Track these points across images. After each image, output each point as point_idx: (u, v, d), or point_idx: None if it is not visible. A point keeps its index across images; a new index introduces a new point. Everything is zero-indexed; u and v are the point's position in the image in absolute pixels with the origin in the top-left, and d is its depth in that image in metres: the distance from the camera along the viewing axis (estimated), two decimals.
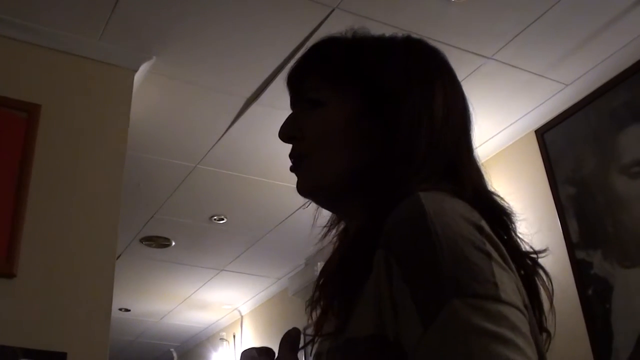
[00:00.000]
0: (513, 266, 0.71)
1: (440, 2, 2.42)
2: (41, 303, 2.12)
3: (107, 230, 2.34)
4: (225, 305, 5.57)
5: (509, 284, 0.66)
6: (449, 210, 0.70)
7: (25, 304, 2.09)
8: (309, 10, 2.44)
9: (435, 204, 0.70)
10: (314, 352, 0.83)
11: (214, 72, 2.80)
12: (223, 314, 5.77)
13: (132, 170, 2.98)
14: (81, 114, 2.46)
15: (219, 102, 2.98)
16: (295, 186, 0.90)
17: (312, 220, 0.95)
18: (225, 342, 5.72)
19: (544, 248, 0.83)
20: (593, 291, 2.69)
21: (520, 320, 0.64)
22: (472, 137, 0.88)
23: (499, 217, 0.80)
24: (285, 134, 0.90)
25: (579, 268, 2.76)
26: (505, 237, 0.78)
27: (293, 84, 0.94)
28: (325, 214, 0.94)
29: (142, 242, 4.37)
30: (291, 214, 3.94)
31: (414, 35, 0.93)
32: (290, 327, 0.86)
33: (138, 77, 2.68)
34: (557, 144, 2.98)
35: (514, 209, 0.82)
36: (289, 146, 0.91)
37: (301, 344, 0.85)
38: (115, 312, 3.32)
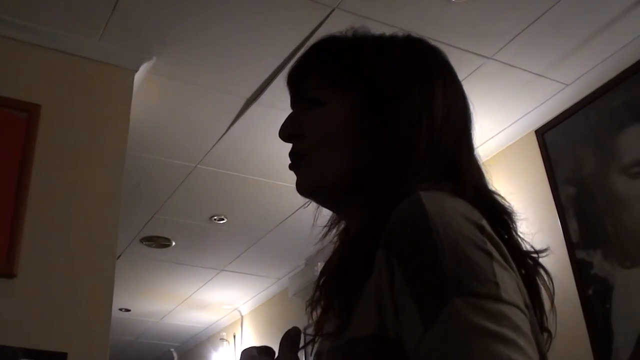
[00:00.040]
0: (514, 265, 0.71)
1: (440, 2, 2.42)
2: (41, 303, 2.12)
3: (108, 230, 2.34)
4: (226, 305, 5.58)
5: (510, 284, 0.66)
6: (450, 209, 0.70)
7: (25, 304, 2.09)
8: (309, 10, 2.44)
9: (436, 203, 0.69)
10: (314, 351, 0.83)
11: (214, 72, 2.80)
12: (223, 314, 5.77)
13: (132, 170, 2.98)
14: (81, 114, 2.46)
15: (219, 102, 2.99)
16: (295, 186, 0.90)
17: (312, 220, 0.95)
18: (225, 342, 5.72)
19: (544, 248, 0.83)
20: (593, 291, 2.69)
21: (522, 319, 0.64)
22: (472, 136, 0.88)
23: (499, 217, 0.80)
24: (285, 132, 0.90)
25: (579, 268, 2.76)
26: (506, 237, 0.78)
27: (293, 83, 0.93)
28: (326, 214, 0.94)
29: (142, 242, 4.37)
30: (291, 214, 3.94)
31: (414, 35, 0.93)
32: (290, 327, 0.86)
33: (138, 77, 2.68)
34: (558, 144, 2.97)
35: (514, 209, 0.82)
36: (289, 146, 0.91)
37: (301, 344, 0.85)
38: (115, 312, 3.32)
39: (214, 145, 3.29)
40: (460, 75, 0.92)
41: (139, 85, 2.73)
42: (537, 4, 2.46)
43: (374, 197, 0.78)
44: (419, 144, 0.80)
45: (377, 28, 0.93)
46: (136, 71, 2.64)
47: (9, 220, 2.14)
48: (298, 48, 2.62)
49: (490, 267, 0.65)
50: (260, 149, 3.31)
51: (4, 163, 2.22)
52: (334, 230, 0.93)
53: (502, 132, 3.21)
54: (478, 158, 0.87)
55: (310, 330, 0.83)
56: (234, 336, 5.70)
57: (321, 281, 0.83)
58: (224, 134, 3.20)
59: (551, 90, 2.95)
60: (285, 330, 0.85)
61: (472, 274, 0.64)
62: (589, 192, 2.79)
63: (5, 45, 2.41)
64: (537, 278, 0.79)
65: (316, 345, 0.83)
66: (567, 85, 2.91)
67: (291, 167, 0.90)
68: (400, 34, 0.92)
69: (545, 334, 0.77)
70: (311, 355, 0.85)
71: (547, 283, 0.80)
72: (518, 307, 0.64)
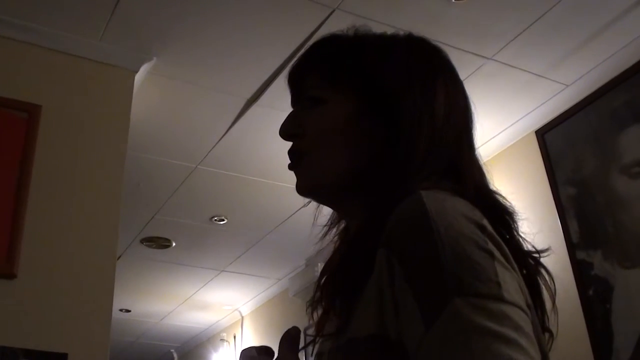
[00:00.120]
0: (515, 265, 0.70)
1: (440, 3, 2.42)
2: (42, 304, 2.12)
3: (108, 231, 2.34)
4: (226, 306, 5.57)
5: (511, 283, 0.66)
6: (451, 209, 0.69)
7: (25, 305, 2.09)
8: (309, 11, 2.44)
9: (436, 202, 0.69)
10: (315, 352, 0.83)
11: (215, 73, 2.80)
12: (223, 315, 5.76)
13: (132, 170, 2.98)
14: (81, 115, 2.46)
15: (219, 103, 2.99)
16: (295, 187, 0.90)
17: (313, 220, 0.94)
18: (225, 343, 5.72)
19: (545, 248, 0.83)
20: (593, 292, 2.69)
21: (523, 319, 0.63)
22: (473, 135, 0.88)
23: (501, 216, 0.79)
24: (285, 131, 0.90)
25: (580, 268, 2.76)
26: (508, 236, 0.78)
27: (294, 81, 0.93)
28: (326, 213, 0.94)
29: (142, 243, 4.37)
30: (291, 215, 3.94)
31: (416, 34, 0.92)
32: (294, 326, 0.86)
33: (138, 77, 2.68)
34: (558, 145, 2.97)
35: (515, 208, 0.82)
36: (290, 146, 0.91)
37: (301, 344, 0.85)
38: (115, 313, 3.32)
39: (214, 146, 3.29)
40: (461, 75, 0.92)
41: (139, 85, 2.73)
42: (538, 5, 2.46)
43: (374, 196, 0.78)
44: (419, 143, 0.80)
45: (378, 29, 0.93)
46: (136, 72, 2.64)
47: (9, 221, 2.14)
48: (298, 49, 2.62)
49: (492, 267, 0.65)
50: (261, 150, 3.31)
51: (5, 163, 2.22)
52: (334, 230, 0.92)
53: (502, 133, 3.21)
54: (479, 157, 0.87)
55: (311, 331, 0.83)
56: (235, 337, 5.69)
57: (322, 281, 0.83)
58: (224, 135, 3.20)
59: (551, 91, 2.95)
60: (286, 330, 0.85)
61: (473, 273, 0.63)
62: (589, 193, 2.79)
63: (6, 45, 2.41)
64: (538, 278, 0.79)
65: (317, 346, 0.83)
66: (567, 85, 2.91)
67: (291, 166, 0.90)
68: (401, 33, 0.92)
69: (547, 334, 0.76)
70: (312, 355, 0.85)
71: (549, 283, 0.80)
72: (520, 307, 0.64)
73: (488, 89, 2.89)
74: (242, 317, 5.66)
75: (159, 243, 4.39)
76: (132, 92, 2.61)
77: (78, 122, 2.44)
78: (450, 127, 0.83)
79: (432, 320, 0.62)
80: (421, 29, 0.93)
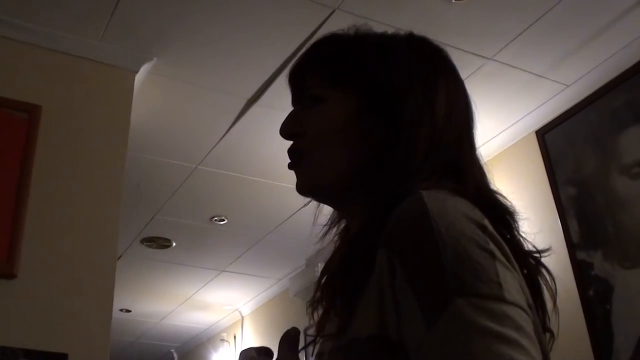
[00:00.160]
0: (516, 265, 0.70)
1: (440, 3, 2.42)
2: (42, 304, 2.12)
3: (108, 231, 2.34)
4: (226, 306, 5.57)
5: (512, 284, 0.66)
6: (452, 209, 0.69)
7: (26, 305, 2.09)
8: (309, 11, 2.44)
9: (437, 202, 0.69)
10: (315, 352, 0.83)
11: (215, 73, 2.80)
12: (224, 315, 5.76)
13: (132, 171, 2.98)
14: (82, 115, 2.46)
15: (219, 103, 2.99)
16: (295, 187, 0.90)
17: (313, 220, 0.94)
18: (226, 343, 5.72)
19: (546, 247, 0.82)
20: (594, 292, 2.69)
21: (525, 320, 0.63)
22: (474, 135, 0.87)
23: (501, 216, 0.79)
24: (286, 130, 0.89)
25: (580, 269, 2.76)
26: (508, 236, 0.77)
27: (295, 81, 0.93)
28: (326, 213, 0.94)
29: (142, 243, 4.37)
30: (292, 215, 3.94)
31: (417, 34, 0.92)
32: (289, 328, 0.86)
33: (139, 78, 2.68)
34: (558, 145, 2.97)
35: (516, 208, 0.82)
36: (290, 145, 0.91)
37: (301, 345, 0.85)
38: (116, 313, 3.33)
39: (214, 146, 3.29)
40: (461, 76, 0.92)
41: (139, 86, 2.73)
42: (538, 5, 2.46)
43: (374, 196, 0.77)
44: (420, 143, 0.79)
45: (378, 29, 0.93)
46: (137, 72, 2.64)
47: (9, 221, 2.14)
48: (299, 49, 2.62)
49: (493, 267, 0.65)
50: (261, 150, 3.31)
51: (5, 164, 2.22)
52: (335, 229, 0.92)
53: (502, 133, 3.21)
54: (480, 157, 0.87)
55: (311, 331, 0.83)
56: (235, 337, 5.69)
57: (322, 281, 0.83)
58: (224, 135, 3.20)
59: (552, 91, 2.95)
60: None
61: (474, 274, 0.63)
62: (589, 193, 2.79)
63: (6, 46, 2.41)
64: (539, 278, 0.79)
65: (317, 346, 0.83)
66: (567, 85, 2.91)
67: (290, 165, 0.89)
68: (402, 32, 0.91)
69: (548, 334, 0.76)
70: (312, 355, 0.84)
71: (550, 283, 0.80)
72: (521, 308, 0.64)
73: (488, 89, 2.89)
74: (243, 317, 5.66)
75: (159, 243, 4.39)
76: (132, 92, 2.62)
77: (78, 122, 2.44)
78: (451, 126, 0.83)
79: (433, 320, 0.62)
80: (421, 29, 0.93)
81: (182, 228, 4.19)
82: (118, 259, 2.43)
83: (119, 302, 5.19)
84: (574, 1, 2.43)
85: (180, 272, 4.86)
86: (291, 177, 0.90)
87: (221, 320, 5.86)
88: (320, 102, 0.87)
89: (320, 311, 0.82)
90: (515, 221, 0.80)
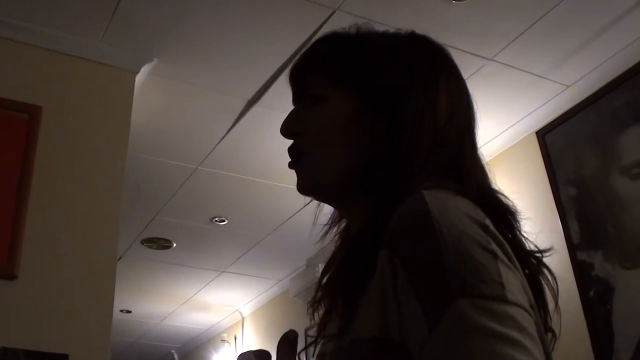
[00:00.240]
0: (518, 265, 0.70)
1: (441, 3, 2.42)
2: (42, 304, 2.12)
3: (108, 232, 2.34)
4: (227, 306, 5.57)
5: (514, 284, 0.65)
6: (453, 209, 0.69)
7: (26, 306, 2.09)
8: (310, 12, 2.44)
9: (439, 202, 0.69)
10: (316, 353, 0.83)
11: (215, 74, 2.80)
12: (224, 316, 5.76)
13: (133, 171, 2.98)
14: (82, 116, 2.46)
15: (220, 104, 2.99)
16: (295, 187, 0.89)
17: (313, 221, 0.94)
18: (226, 344, 5.72)
19: (548, 247, 0.82)
20: (594, 292, 2.69)
21: (527, 320, 0.63)
22: (476, 134, 0.87)
23: (503, 216, 0.79)
24: (286, 129, 0.89)
25: (580, 269, 2.76)
26: (510, 236, 0.77)
27: (296, 80, 0.92)
28: (326, 212, 0.93)
29: (143, 244, 4.37)
30: (292, 216, 3.93)
31: (418, 33, 0.92)
32: (288, 330, 0.86)
33: (139, 78, 2.68)
34: (558, 145, 2.97)
35: (518, 208, 0.82)
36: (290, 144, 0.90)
37: (302, 345, 0.85)
38: (116, 314, 3.32)
39: (214, 147, 3.29)
40: None
41: (140, 86, 2.73)
42: (538, 5, 2.46)
43: (375, 195, 0.77)
44: (421, 142, 0.79)
45: (378, 29, 0.93)
46: (137, 72, 2.64)
47: (10, 222, 2.14)
48: (299, 49, 2.62)
49: (495, 267, 0.64)
50: (261, 151, 3.31)
51: (5, 164, 2.22)
52: (335, 229, 0.92)
53: (503, 134, 3.21)
54: (481, 157, 0.86)
55: (312, 332, 0.82)
56: (235, 338, 5.69)
57: (323, 280, 0.83)
58: (224, 136, 3.20)
59: (552, 92, 2.95)
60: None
61: (476, 274, 0.63)
62: (589, 193, 2.79)
63: (6, 46, 2.41)
64: (541, 278, 0.79)
65: (319, 347, 0.83)
66: (568, 86, 2.91)
67: (291, 164, 0.89)
68: (403, 31, 0.91)
69: (550, 334, 0.76)
70: (313, 356, 0.84)
71: (551, 283, 0.80)
72: (523, 308, 0.64)
73: (489, 90, 2.89)
74: (243, 318, 5.66)
75: (160, 244, 4.39)
76: (132, 93, 2.62)
77: (79, 123, 2.44)
78: (453, 126, 0.83)
79: (436, 321, 0.61)
80: (422, 30, 0.92)
81: (183, 229, 4.19)
82: (118, 260, 2.43)
83: (119, 303, 5.19)
84: (574, 1, 2.43)
85: (180, 273, 4.86)
86: (291, 177, 0.90)
87: (222, 321, 5.86)
88: (321, 101, 0.87)
89: (321, 312, 0.82)
90: (517, 221, 0.80)
